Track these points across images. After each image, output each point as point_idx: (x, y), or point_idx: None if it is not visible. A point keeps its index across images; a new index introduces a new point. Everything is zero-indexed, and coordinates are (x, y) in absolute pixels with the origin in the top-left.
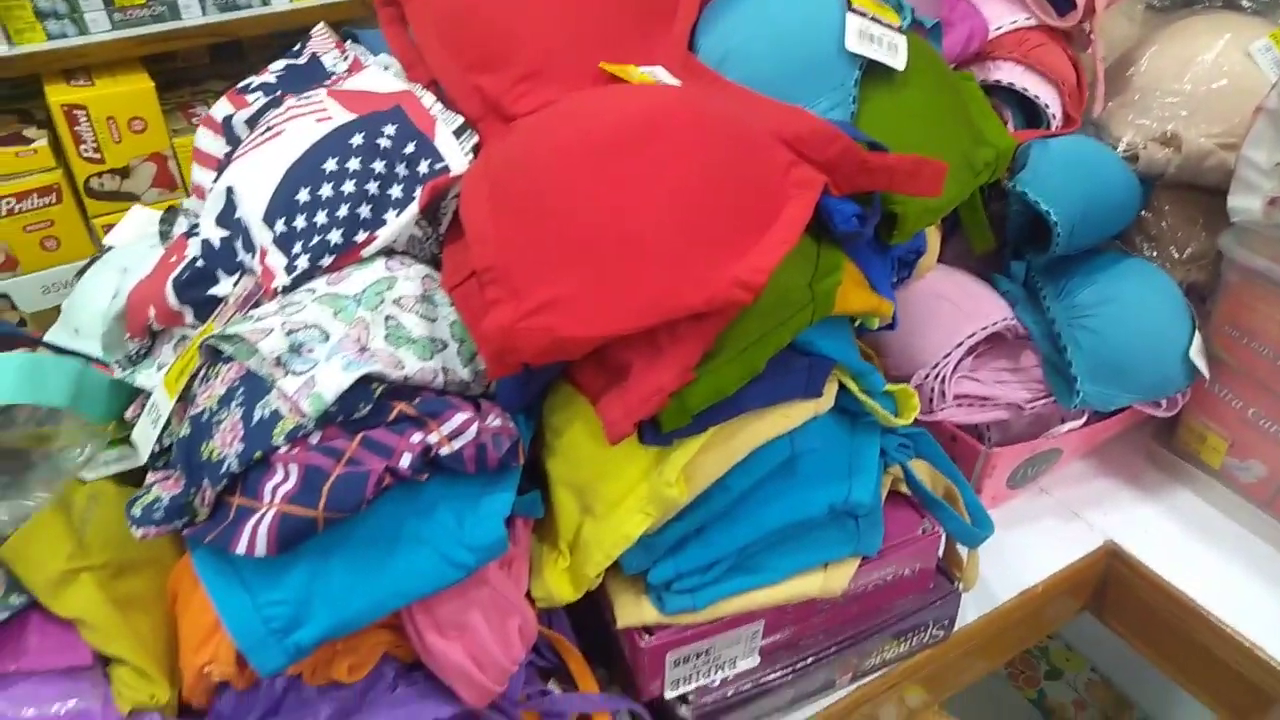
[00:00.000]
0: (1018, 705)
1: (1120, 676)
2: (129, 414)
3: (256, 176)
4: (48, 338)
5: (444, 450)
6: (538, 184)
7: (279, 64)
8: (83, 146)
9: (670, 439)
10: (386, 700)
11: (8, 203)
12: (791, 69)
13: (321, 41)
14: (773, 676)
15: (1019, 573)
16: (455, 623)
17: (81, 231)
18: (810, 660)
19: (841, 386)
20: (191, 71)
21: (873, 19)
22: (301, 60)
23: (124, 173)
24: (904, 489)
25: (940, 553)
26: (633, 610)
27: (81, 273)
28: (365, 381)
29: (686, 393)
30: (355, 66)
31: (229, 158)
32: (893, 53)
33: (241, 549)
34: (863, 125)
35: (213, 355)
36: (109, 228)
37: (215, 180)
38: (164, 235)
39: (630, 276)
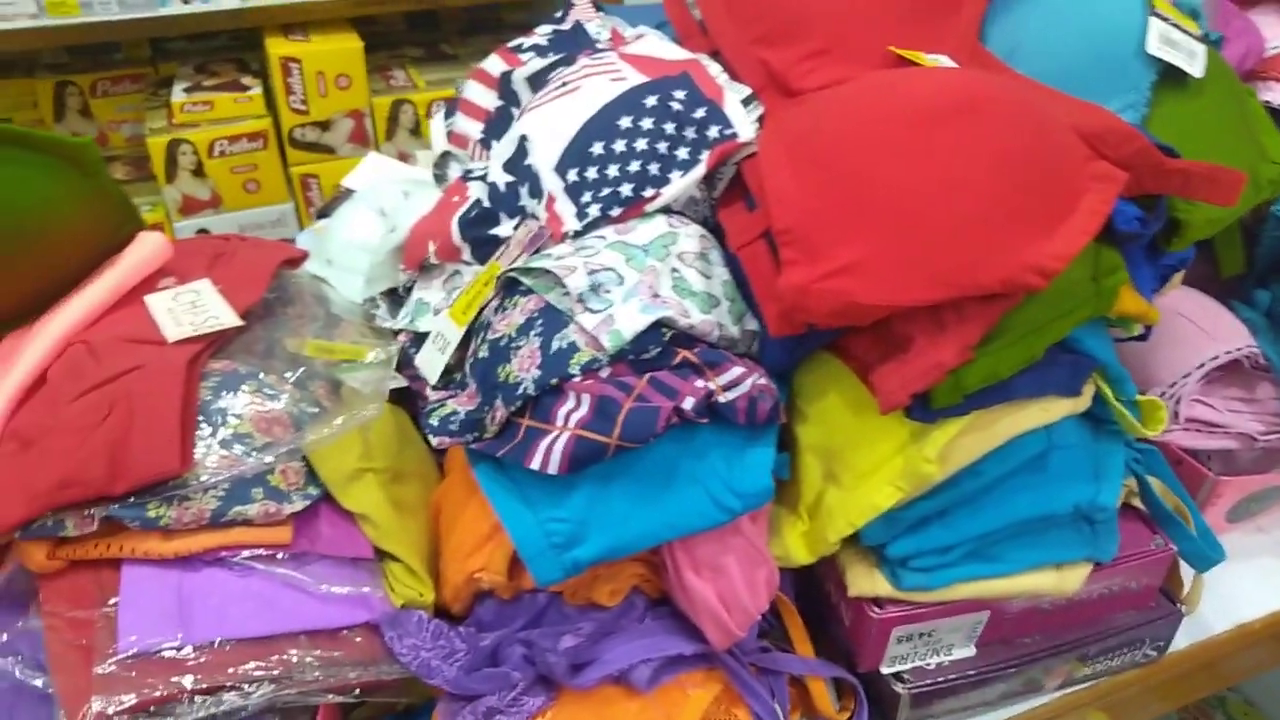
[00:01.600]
0: None
1: None
2: (401, 340)
3: (551, 128)
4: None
5: (720, 399)
6: (847, 150)
7: (545, 29)
8: (292, 98)
9: (936, 416)
10: (636, 629)
11: (220, 144)
12: (1088, 67)
13: (584, 10)
14: (988, 670)
15: (1233, 608)
16: (712, 565)
17: (280, 178)
18: (1026, 660)
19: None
20: (390, 36)
21: (1174, 24)
22: (566, 26)
23: (324, 126)
24: (1136, 503)
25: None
26: (865, 581)
27: (323, 214)
28: (656, 325)
29: (964, 372)
30: (615, 35)
31: (500, 111)
32: (1191, 60)
33: (535, 465)
34: (1153, 129)
35: (508, 288)
36: (304, 176)
37: (484, 131)
38: (438, 179)
39: (931, 248)
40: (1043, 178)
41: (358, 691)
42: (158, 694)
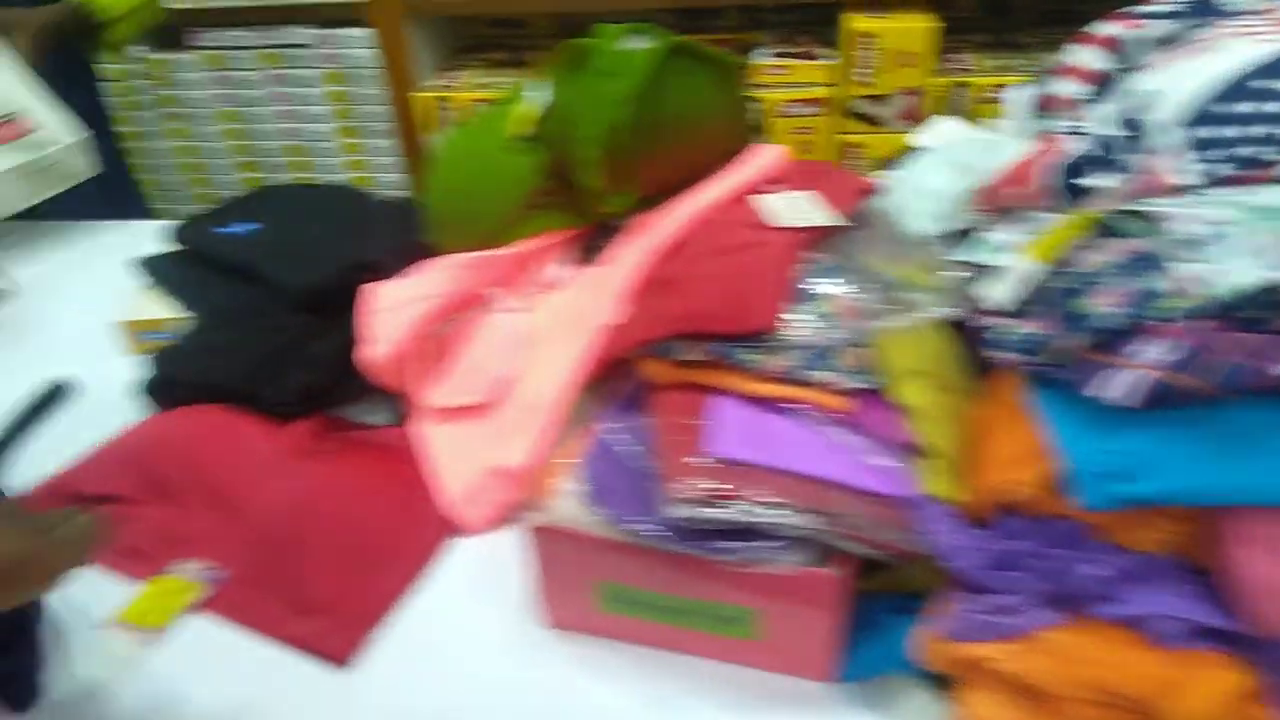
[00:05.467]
0: None
1: None
2: (962, 271)
3: (1181, 84)
4: None
5: None
6: None
7: None
8: (859, 71)
9: None
10: (1167, 586)
11: (788, 106)
12: None
13: None
14: None
15: None
16: (1270, 544)
17: (830, 143)
18: None
19: None
20: (960, 23)
21: None
22: None
23: (881, 100)
24: None
25: None
26: None
27: (889, 166)
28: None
29: None
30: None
31: (1114, 71)
32: None
33: (1110, 395)
34: None
35: (1101, 230)
36: (849, 145)
37: (1092, 90)
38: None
39: None
40: None
41: (875, 552)
42: (727, 489)
